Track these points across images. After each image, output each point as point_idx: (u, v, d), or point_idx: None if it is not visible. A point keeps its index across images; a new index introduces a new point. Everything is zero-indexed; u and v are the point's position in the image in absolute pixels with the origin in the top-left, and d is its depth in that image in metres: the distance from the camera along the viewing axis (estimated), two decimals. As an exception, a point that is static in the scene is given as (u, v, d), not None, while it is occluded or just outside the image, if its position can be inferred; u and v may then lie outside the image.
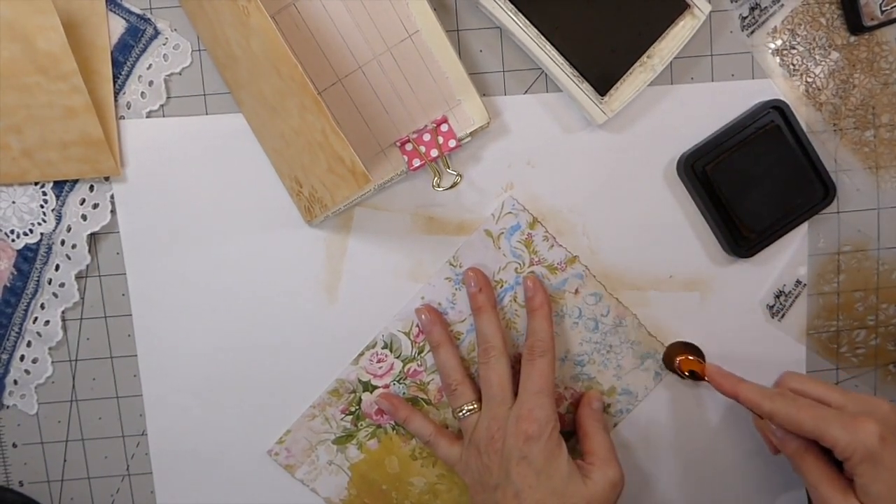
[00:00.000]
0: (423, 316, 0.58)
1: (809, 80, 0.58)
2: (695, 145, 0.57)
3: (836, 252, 0.60)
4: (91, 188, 0.56)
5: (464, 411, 0.56)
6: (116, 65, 0.55)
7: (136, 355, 0.58)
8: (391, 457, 0.60)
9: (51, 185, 0.56)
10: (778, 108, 0.56)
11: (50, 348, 0.58)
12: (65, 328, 0.58)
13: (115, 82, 0.55)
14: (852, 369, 0.61)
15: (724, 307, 0.60)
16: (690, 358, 0.58)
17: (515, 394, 0.55)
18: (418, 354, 0.59)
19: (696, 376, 0.57)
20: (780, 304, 0.60)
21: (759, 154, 0.56)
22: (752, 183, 0.56)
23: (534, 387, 0.54)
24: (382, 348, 0.58)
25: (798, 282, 0.60)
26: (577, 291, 0.58)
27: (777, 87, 0.58)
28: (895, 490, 0.47)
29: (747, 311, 0.60)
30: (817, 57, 0.58)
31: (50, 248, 0.56)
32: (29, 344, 0.58)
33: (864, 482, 0.48)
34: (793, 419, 0.50)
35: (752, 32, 0.57)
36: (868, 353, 0.61)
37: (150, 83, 0.55)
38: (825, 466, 0.51)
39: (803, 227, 0.59)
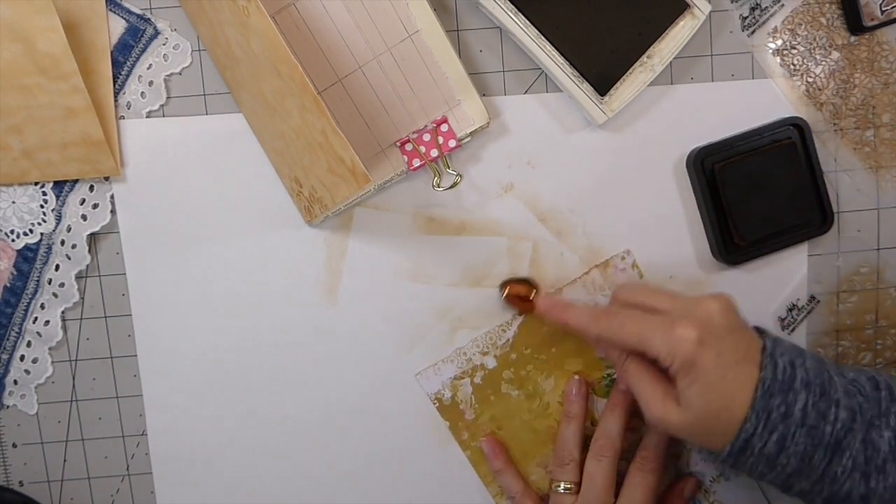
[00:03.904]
0: (573, 388, 0.58)
1: (810, 80, 0.58)
2: (709, 142, 0.57)
3: (853, 273, 0.60)
4: (91, 188, 0.56)
5: (562, 487, 0.56)
6: (116, 65, 0.55)
7: (136, 355, 0.58)
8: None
9: (51, 185, 0.56)
10: (798, 127, 0.56)
11: (50, 348, 0.58)
12: (65, 328, 0.58)
13: (115, 82, 0.55)
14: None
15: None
16: (518, 288, 0.57)
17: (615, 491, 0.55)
18: None
19: (524, 306, 0.57)
20: (793, 317, 0.60)
21: (768, 165, 0.56)
22: (755, 192, 0.56)
23: (636, 498, 0.54)
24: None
25: (812, 297, 0.60)
26: None
27: (777, 86, 0.58)
28: (708, 392, 0.46)
29: (751, 319, 0.59)
30: (818, 57, 0.58)
31: (50, 248, 0.56)
32: (29, 344, 0.58)
33: (682, 387, 0.47)
34: (617, 337, 0.50)
35: (753, 32, 0.57)
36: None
37: (150, 83, 0.55)
38: (647, 372, 0.50)
39: (815, 245, 0.59)
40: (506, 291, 0.58)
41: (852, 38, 0.58)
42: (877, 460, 0.46)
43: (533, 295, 0.57)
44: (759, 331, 0.50)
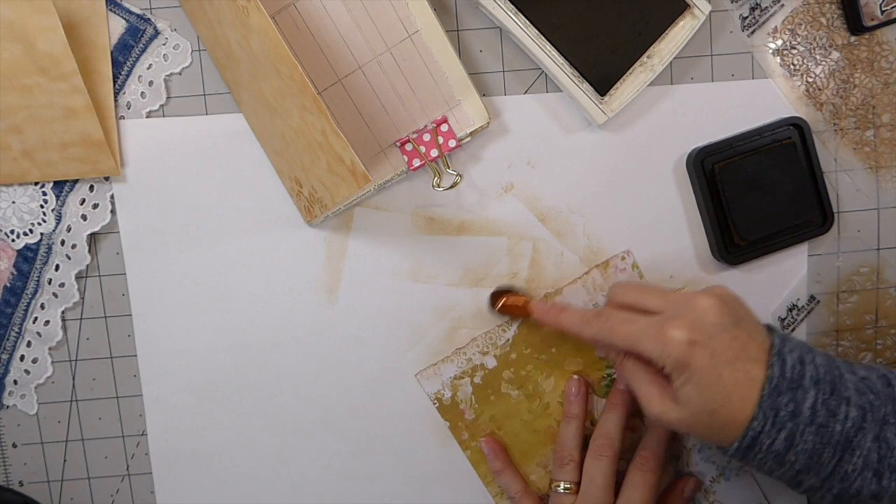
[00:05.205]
0: (573, 387, 0.58)
1: (810, 80, 0.58)
2: (709, 142, 0.57)
3: (853, 273, 0.60)
4: (91, 188, 0.56)
5: (562, 487, 0.56)
6: (116, 65, 0.55)
7: (136, 355, 0.58)
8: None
9: (51, 185, 0.56)
10: (798, 127, 0.57)
11: (50, 348, 0.58)
12: (65, 328, 0.58)
13: (115, 82, 0.55)
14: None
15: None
16: (512, 298, 0.58)
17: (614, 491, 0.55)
18: None
19: (519, 314, 0.57)
20: (793, 317, 0.60)
21: (768, 165, 0.56)
22: (755, 192, 0.56)
23: (636, 498, 0.54)
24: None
25: (812, 297, 0.59)
26: None
27: (777, 86, 0.58)
28: (704, 391, 0.46)
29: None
30: (818, 57, 0.58)
31: (50, 248, 0.56)
32: (29, 344, 0.58)
33: (677, 386, 0.47)
34: (609, 340, 0.50)
35: (753, 32, 0.57)
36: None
37: (150, 83, 0.55)
38: (644, 371, 0.50)
39: (815, 245, 0.59)
40: (501, 302, 0.58)
41: (852, 38, 0.58)
42: (890, 459, 0.45)
43: (525, 301, 0.57)
44: (769, 328, 0.50)
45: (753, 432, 0.46)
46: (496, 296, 0.58)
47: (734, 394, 0.46)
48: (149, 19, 0.55)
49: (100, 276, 0.57)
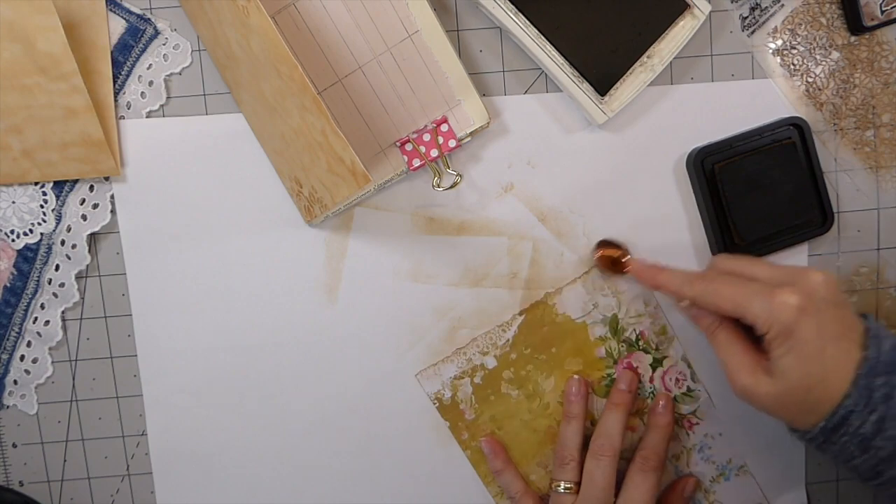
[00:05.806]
0: (573, 387, 0.58)
1: (810, 80, 0.58)
2: (709, 142, 0.57)
3: (853, 273, 0.60)
4: (91, 188, 0.56)
5: (562, 487, 0.56)
6: (116, 65, 0.55)
7: (136, 355, 0.58)
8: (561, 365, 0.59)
9: (51, 185, 0.56)
10: (798, 127, 0.57)
11: (50, 348, 0.58)
12: (65, 328, 0.58)
13: (115, 82, 0.55)
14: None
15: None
16: (610, 251, 0.57)
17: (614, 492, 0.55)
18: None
19: (616, 269, 0.57)
20: None
21: (768, 165, 0.56)
22: (755, 192, 0.56)
23: (636, 498, 0.54)
24: (688, 369, 0.59)
25: None
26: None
27: (777, 86, 0.58)
28: (805, 364, 0.45)
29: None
30: (818, 57, 0.58)
31: (50, 248, 0.56)
32: (29, 344, 0.58)
33: (777, 355, 0.46)
34: (713, 301, 0.49)
35: (753, 32, 0.57)
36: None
37: (150, 83, 0.55)
38: (738, 341, 0.49)
39: (815, 245, 0.59)
40: (598, 254, 0.57)
41: (852, 38, 0.58)
42: None
43: (625, 258, 0.57)
44: (862, 315, 0.49)
45: (844, 411, 0.44)
46: (599, 246, 0.58)
47: (833, 371, 0.45)
48: (149, 19, 0.55)
49: (100, 276, 0.57)
